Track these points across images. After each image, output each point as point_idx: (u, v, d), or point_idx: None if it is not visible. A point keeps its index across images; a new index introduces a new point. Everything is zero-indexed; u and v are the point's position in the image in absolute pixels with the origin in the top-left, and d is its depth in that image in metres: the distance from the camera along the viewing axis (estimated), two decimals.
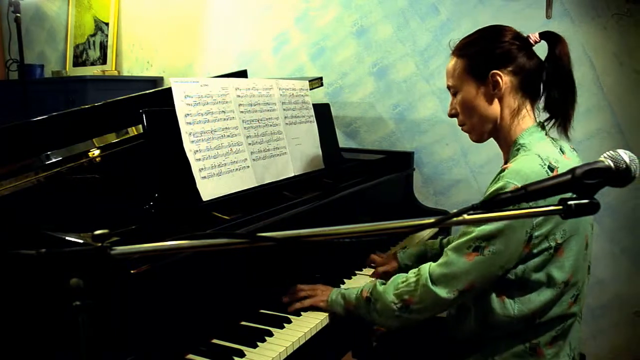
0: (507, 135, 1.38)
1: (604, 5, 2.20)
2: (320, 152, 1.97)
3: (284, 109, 1.85)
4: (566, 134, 1.36)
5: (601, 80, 2.24)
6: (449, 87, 1.43)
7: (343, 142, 2.72)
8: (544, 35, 1.36)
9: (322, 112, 2.10)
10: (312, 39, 2.91)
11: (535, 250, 1.24)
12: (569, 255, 1.26)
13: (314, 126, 1.98)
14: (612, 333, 2.35)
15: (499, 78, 1.33)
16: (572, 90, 1.35)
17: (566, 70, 1.34)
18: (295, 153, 1.83)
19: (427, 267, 1.30)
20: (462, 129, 1.46)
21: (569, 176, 0.78)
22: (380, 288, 1.35)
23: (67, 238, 1.13)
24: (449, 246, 1.30)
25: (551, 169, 1.24)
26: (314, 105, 2.01)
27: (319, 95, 2.84)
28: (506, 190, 1.19)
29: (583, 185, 0.77)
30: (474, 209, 0.77)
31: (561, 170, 1.25)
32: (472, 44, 1.39)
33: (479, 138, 1.44)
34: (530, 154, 1.27)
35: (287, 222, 1.52)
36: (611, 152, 0.79)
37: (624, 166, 0.78)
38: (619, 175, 0.78)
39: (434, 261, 1.63)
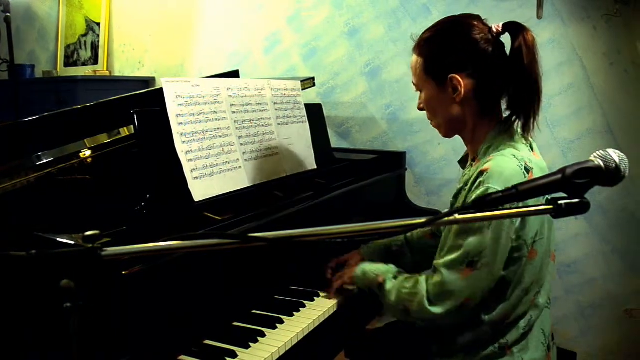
0: (473, 135, 1.35)
1: (594, 6, 2.21)
2: (312, 152, 1.97)
3: (276, 109, 1.84)
4: (527, 133, 1.28)
5: (591, 80, 2.25)
6: (413, 84, 1.39)
7: (335, 142, 2.72)
8: (507, 26, 1.27)
9: (314, 112, 2.09)
10: (304, 39, 2.91)
11: (515, 255, 1.24)
12: (539, 257, 1.27)
13: (306, 126, 1.98)
14: (603, 331, 2.36)
15: (457, 83, 1.28)
16: (533, 86, 1.25)
17: (525, 64, 1.23)
18: (287, 153, 1.83)
19: (424, 284, 1.28)
20: (431, 124, 1.43)
21: (560, 176, 0.78)
22: (388, 285, 1.35)
23: (58, 239, 1.13)
24: (441, 262, 1.26)
25: (527, 170, 1.22)
26: (306, 105, 2.01)
27: (311, 96, 2.83)
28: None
29: (573, 185, 0.77)
30: (465, 208, 0.77)
31: (535, 170, 1.23)
32: (430, 41, 1.32)
33: (446, 135, 1.41)
34: (506, 155, 1.24)
35: (279, 223, 1.52)
36: (601, 151, 0.80)
37: (614, 166, 0.79)
38: (609, 175, 0.79)
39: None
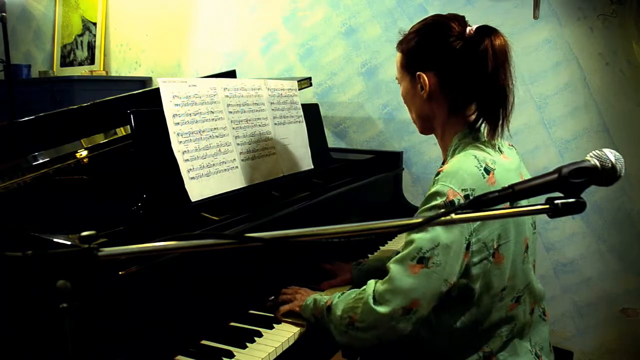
0: (442, 135, 1.35)
1: (589, 6, 2.22)
2: (309, 152, 1.97)
3: (273, 109, 1.84)
4: (492, 139, 1.25)
5: (588, 80, 2.26)
6: (396, 78, 1.41)
7: (332, 142, 2.73)
8: (478, 30, 1.24)
9: (311, 112, 2.09)
10: (300, 39, 2.91)
11: (475, 259, 1.19)
12: (507, 261, 1.23)
13: (303, 126, 1.98)
14: (600, 330, 2.37)
15: (423, 81, 1.29)
16: (499, 93, 1.22)
17: (489, 70, 1.20)
18: (284, 153, 1.83)
19: (372, 284, 1.22)
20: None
21: (556, 175, 0.78)
22: (335, 300, 1.28)
23: (55, 239, 1.12)
24: (392, 259, 1.20)
25: (487, 171, 1.19)
26: (302, 105, 2.01)
27: (308, 95, 2.84)
28: (442, 193, 1.16)
29: (569, 184, 0.77)
30: (461, 208, 0.77)
31: (498, 172, 1.21)
32: (409, 39, 1.34)
33: (421, 130, 1.42)
34: (467, 154, 1.23)
35: (276, 223, 1.52)
36: (597, 151, 0.80)
37: (610, 165, 0.79)
38: (605, 175, 0.79)
39: None
